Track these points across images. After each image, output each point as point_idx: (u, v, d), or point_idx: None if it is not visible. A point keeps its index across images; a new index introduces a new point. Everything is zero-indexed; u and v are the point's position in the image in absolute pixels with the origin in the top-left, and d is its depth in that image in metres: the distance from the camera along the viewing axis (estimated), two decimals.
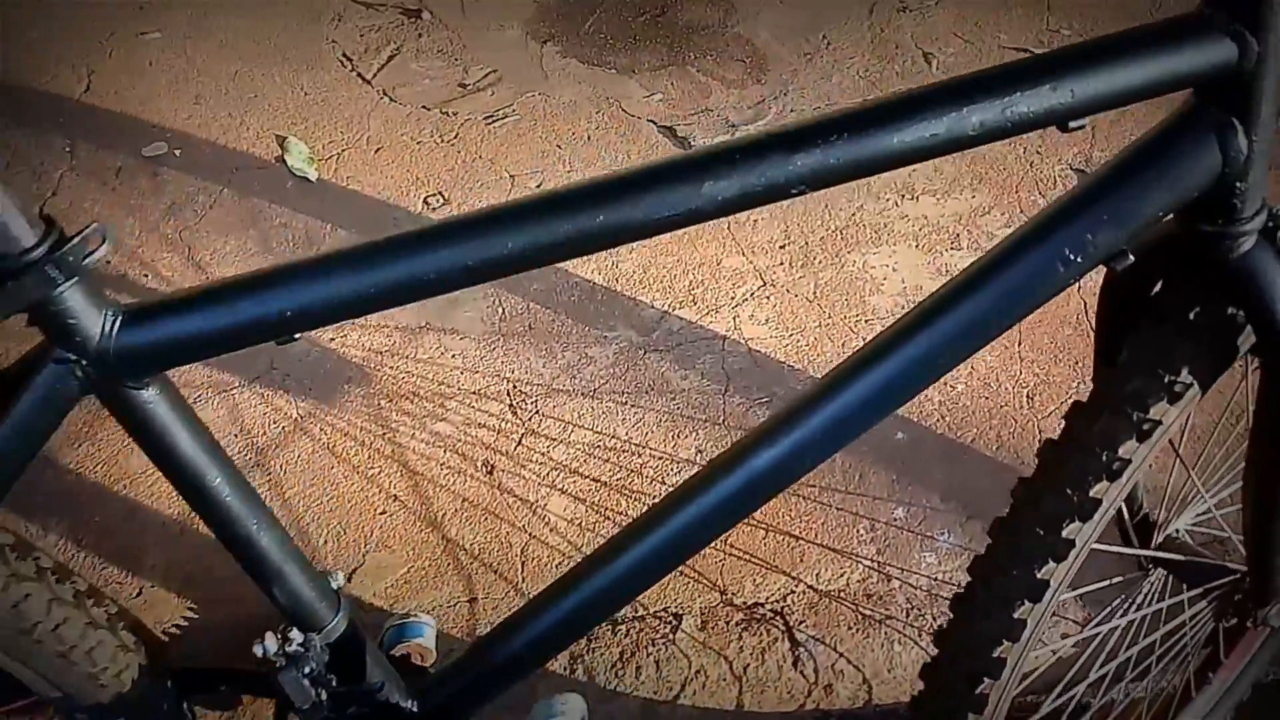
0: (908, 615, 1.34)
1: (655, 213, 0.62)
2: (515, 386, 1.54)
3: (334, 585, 0.83)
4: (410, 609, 1.31)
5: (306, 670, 0.77)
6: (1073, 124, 0.62)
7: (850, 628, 1.34)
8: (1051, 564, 0.77)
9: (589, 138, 1.93)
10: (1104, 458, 0.74)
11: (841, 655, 1.32)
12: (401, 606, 1.32)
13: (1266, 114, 0.63)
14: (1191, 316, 0.75)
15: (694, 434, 1.50)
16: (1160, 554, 1.00)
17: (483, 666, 0.90)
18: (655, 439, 1.49)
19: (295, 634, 0.78)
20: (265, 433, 1.48)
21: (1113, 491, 0.75)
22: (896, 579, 1.37)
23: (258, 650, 0.77)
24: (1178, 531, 1.06)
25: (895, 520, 1.42)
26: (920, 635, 1.33)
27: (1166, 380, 0.74)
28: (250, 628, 1.18)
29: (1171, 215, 0.70)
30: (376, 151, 1.88)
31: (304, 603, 0.78)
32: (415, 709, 0.89)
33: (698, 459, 1.47)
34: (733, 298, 1.68)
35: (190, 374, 1.53)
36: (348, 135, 1.91)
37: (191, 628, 1.30)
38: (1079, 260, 0.67)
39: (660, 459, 1.47)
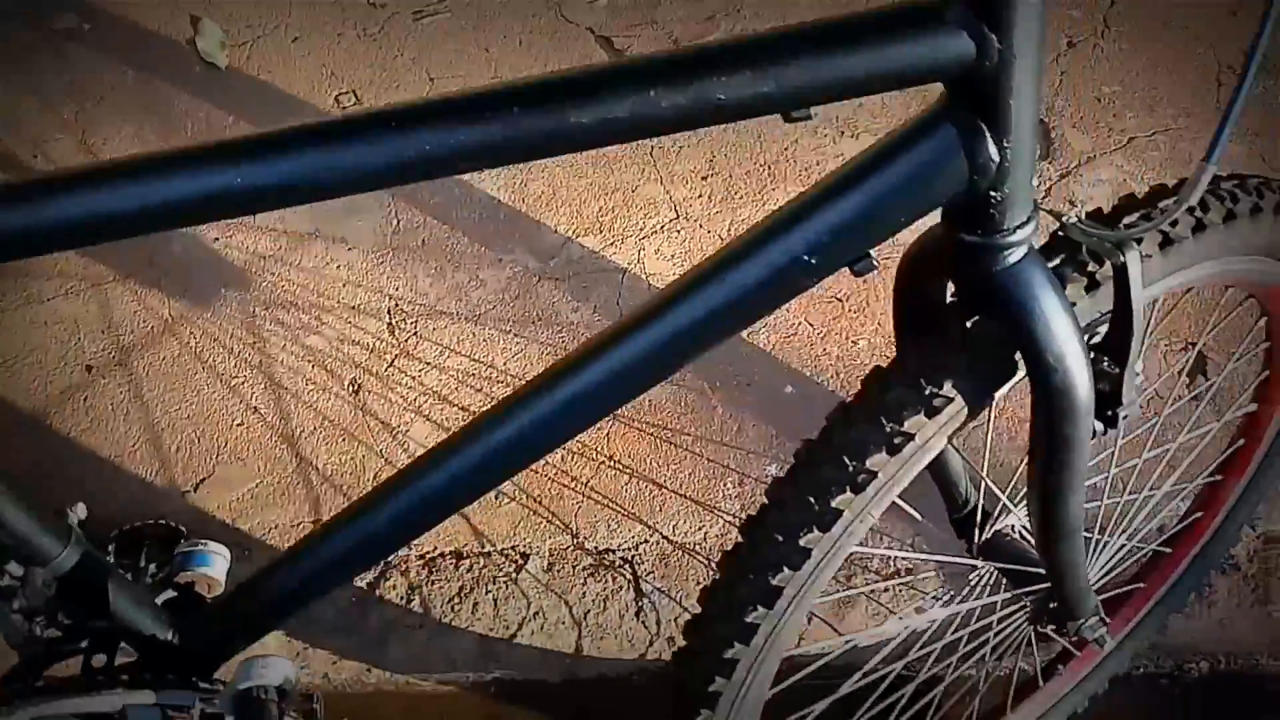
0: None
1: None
2: (397, 304, 1.50)
3: (74, 519, 0.80)
4: (251, 527, 1.30)
5: (17, 605, 0.74)
6: (795, 114, 0.55)
7: (699, 583, 1.31)
8: (816, 532, 0.71)
9: (521, 42, 1.83)
10: (850, 467, 0.69)
11: (686, 610, 1.30)
12: (245, 523, 1.30)
13: (1021, 121, 0.56)
14: (969, 326, 0.69)
15: None
16: (965, 558, 0.96)
17: (254, 601, 0.88)
18: (533, 373, 1.44)
19: (13, 567, 0.76)
20: (133, 331, 1.44)
21: (857, 504, 0.70)
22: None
23: None
24: (1011, 529, 1.01)
25: (766, 476, 1.38)
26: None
27: (927, 392, 0.68)
28: (100, 528, 1.16)
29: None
30: (294, 41, 1.79)
31: (21, 536, 0.75)
32: (175, 640, 0.87)
33: None
34: (642, 228, 1.61)
35: (65, 264, 1.49)
36: (266, 21, 1.81)
37: None
38: (815, 262, 0.61)
39: None
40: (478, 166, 0.56)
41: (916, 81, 0.55)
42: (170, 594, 0.95)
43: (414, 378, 1.42)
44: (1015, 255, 0.62)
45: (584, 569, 1.31)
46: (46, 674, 0.80)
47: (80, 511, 0.81)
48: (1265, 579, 1.36)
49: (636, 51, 1.84)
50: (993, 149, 0.56)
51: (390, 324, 1.47)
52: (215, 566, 0.99)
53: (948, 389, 0.68)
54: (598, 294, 1.53)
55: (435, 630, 1.27)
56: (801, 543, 0.70)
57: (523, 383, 0.75)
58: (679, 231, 1.61)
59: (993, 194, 0.59)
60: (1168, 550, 1.21)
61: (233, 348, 1.43)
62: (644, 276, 1.55)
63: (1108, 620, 0.96)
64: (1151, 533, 1.29)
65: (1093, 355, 0.70)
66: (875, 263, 0.62)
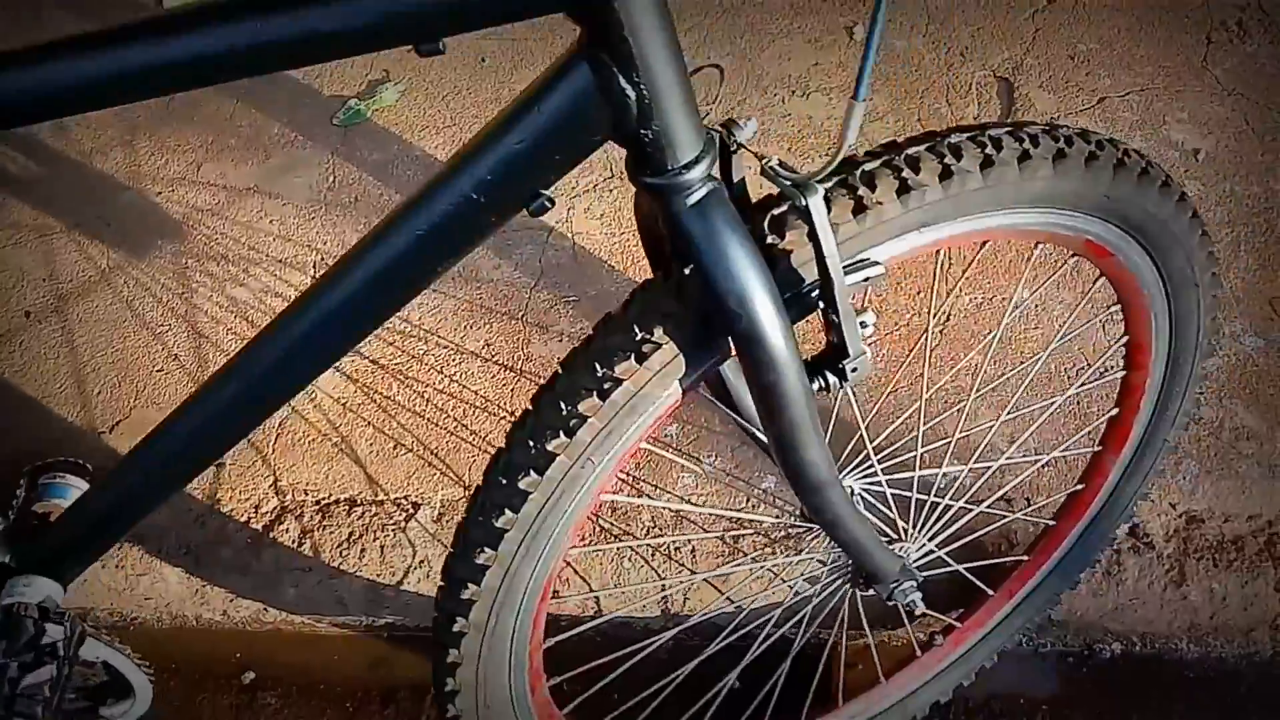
0: (646, 533, 1.31)
1: None
2: (323, 259, 1.53)
3: None
4: None
5: None
6: (424, 47, 0.55)
7: (586, 539, 1.32)
8: (534, 475, 0.71)
9: None
10: (564, 411, 0.69)
11: (568, 564, 1.31)
12: None
13: (651, 58, 0.55)
14: (685, 272, 0.67)
15: (487, 327, 1.46)
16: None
17: (81, 523, 0.92)
18: (447, 328, 1.46)
19: None
20: (72, 279, 1.51)
21: (572, 449, 0.70)
22: (647, 496, 1.33)
23: None
24: (850, 490, 0.99)
25: (665, 436, 1.37)
26: (653, 554, 1.30)
27: (638, 338, 0.67)
28: (19, 463, 1.23)
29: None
30: None
31: None
32: (10, 562, 0.92)
33: (484, 353, 1.44)
34: (574, 187, 1.61)
35: (16, 215, 1.57)
36: None
37: None
38: (485, 201, 0.61)
39: (445, 349, 1.44)
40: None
41: (539, 12, 0.54)
42: (31, 522, 1.00)
43: None
44: (694, 196, 0.61)
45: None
46: None
47: None
48: (1182, 559, 1.29)
49: None
50: (627, 87, 0.55)
51: (314, 277, 1.51)
52: (69, 498, 1.04)
53: (659, 335, 0.67)
54: (520, 252, 1.53)
55: (325, 574, 1.31)
56: (521, 485, 0.71)
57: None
58: (610, 190, 1.60)
59: (644, 133, 0.57)
60: (1052, 522, 1.17)
61: (162, 297, 1.49)
62: (570, 236, 1.55)
63: (918, 581, 0.93)
64: (1019, 502, 1.25)
65: (822, 307, 0.68)
66: (549, 203, 0.61)
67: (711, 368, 0.72)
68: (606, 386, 0.68)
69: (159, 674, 1.09)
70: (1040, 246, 0.86)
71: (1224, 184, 1.60)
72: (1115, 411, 1.06)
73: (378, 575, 1.31)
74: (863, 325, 0.68)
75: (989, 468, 1.09)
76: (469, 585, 0.75)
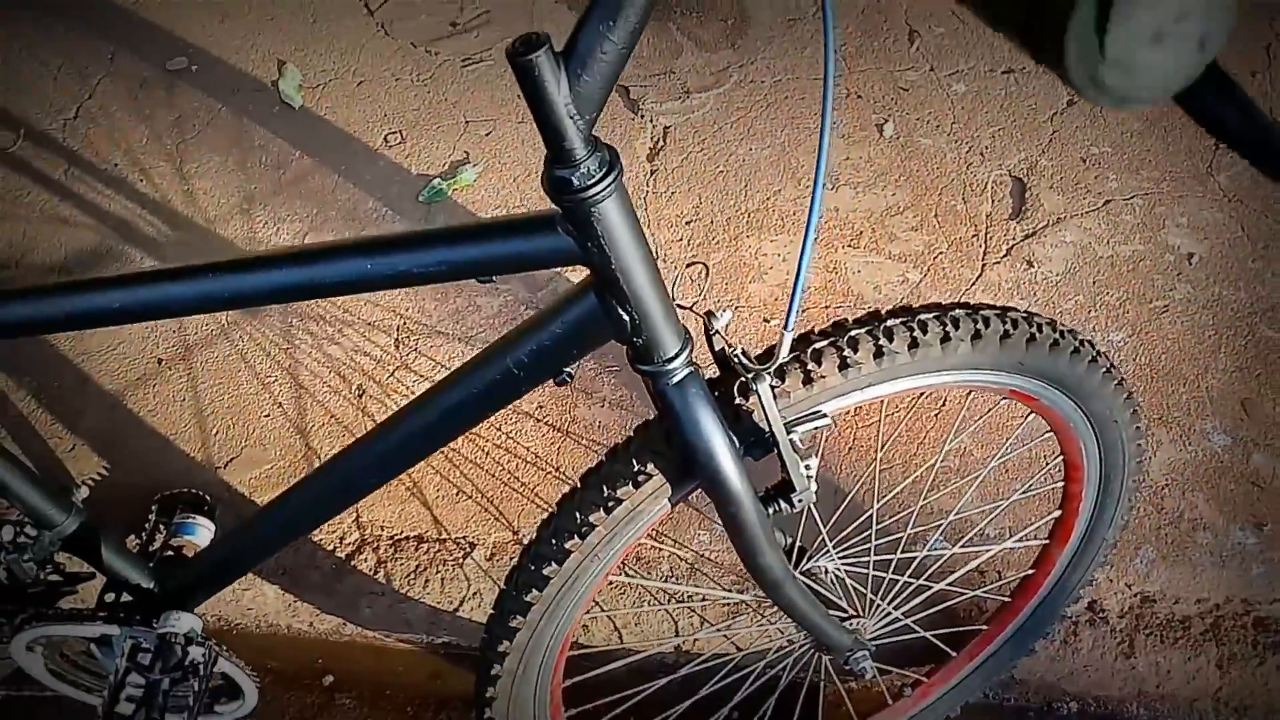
0: (664, 579, 1.53)
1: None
2: (405, 323, 1.78)
3: (75, 497, 1.12)
4: (262, 501, 1.62)
5: (28, 557, 1.07)
6: (481, 279, 0.78)
7: (610, 579, 1.55)
8: (554, 566, 0.95)
9: None
10: (577, 519, 0.92)
11: (597, 604, 1.54)
12: (260, 497, 1.63)
13: (638, 293, 0.76)
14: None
15: (540, 391, 1.70)
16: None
17: (213, 561, 1.18)
18: None
19: (30, 530, 1.08)
20: (198, 332, 1.79)
21: (584, 548, 0.92)
22: (668, 548, 1.56)
23: None
24: (824, 570, 1.21)
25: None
26: (669, 600, 1.53)
27: (635, 469, 0.90)
28: (149, 491, 1.51)
29: None
30: (359, 84, 2.10)
31: (33, 508, 1.07)
32: (154, 588, 1.19)
33: (537, 414, 1.68)
34: None
35: None
36: (339, 65, 2.13)
37: (105, 484, 1.66)
38: (521, 374, 0.84)
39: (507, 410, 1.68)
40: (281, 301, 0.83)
41: (550, 264, 0.77)
42: (167, 553, 1.27)
43: (409, 388, 1.71)
44: (675, 377, 0.83)
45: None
46: (55, 607, 1.13)
47: (82, 491, 1.13)
48: (1133, 634, 1.47)
49: (649, 100, 2.05)
50: (622, 314, 0.77)
51: (397, 339, 1.77)
52: (199, 536, 1.31)
53: (650, 469, 0.89)
54: None
55: (395, 598, 1.56)
56: (544, 573, 0.94)
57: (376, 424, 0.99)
58: None
59: (636, 340, 0.80)
60: (1008, 599, 1.36)
61: (270, 351, 1.76)
62: None
63: (871, 651, 1.14)
64: (975, 579, 1.44)
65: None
66: (569, 376, 0.84)
67: (691, 491, 0.94)
68: (610, 504, 0.90)
69: (258, 676, 1.35)
70: (972, 393, 1.06)
71: (1213, 288, 1.76)
72: (1059, 513, 1.25)
73: (438, 602, 1.56)
74: (807, 468, 0.89)
75: (943, 555, 1.29)
76: (503, 641, 0.98)
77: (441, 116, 2.05)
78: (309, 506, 1.06)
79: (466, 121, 2.04)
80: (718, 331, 0.87)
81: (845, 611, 1.17)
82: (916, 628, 1.32)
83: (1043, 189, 1.89)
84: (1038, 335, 0.97)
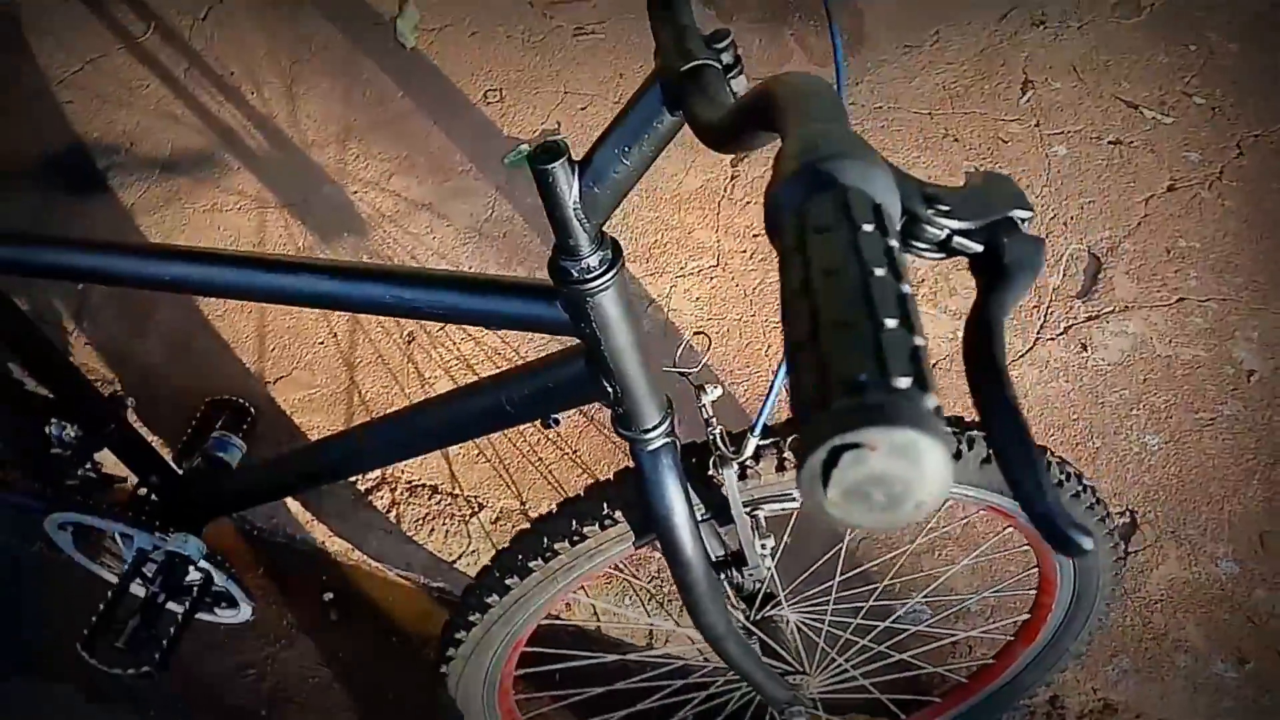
0: (650, 581, 1.60)
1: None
2: None
3: (129, 404, 1.23)
4: (301, 422, 1.73)
5: (75, 455, 1.18)
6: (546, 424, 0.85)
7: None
8: (516, 579, 1.03)
9: (644, 67, 2.09)
10: (543, 542, 0.99)
11: (583, 589, 1.62)
12: (299, 418, 1.74)
13: (623, 370, 0.81)
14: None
15: None
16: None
17: (233, 489, 1.29)
18: None
19: (71, 430, 1.20)
20: (273, 248, 1.89)
21: (545, 570, 0.99)
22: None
23: (48, 430, 1.19)
24: (786, 620, 1.26)
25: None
26: (667, 601, 1.60)
27: (604, 513, 0.96)
28: (200, 394, 1.63)
29: None
30: (471, 34, 2.15)
31: (81, 411, 1.19)
32: (177, 497, 1.30)
33: None
34: (683, 268, 1.87)
35: (243, 185, 1.96)
36: (457, 12, 2.18)
37: (161, 377, 1.79)
38: (513, 411, 0.90)
39: None
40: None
41: (546, 331, 0.82)
42: (198, 462, 1.39)
43: (455, 344, 1.79)
44: (651, 446, 0.88)
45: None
46: (83, 498, 1.25)
47: (130, 402, 1.24)
48: None
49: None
50: (607, 384, 0.83)
51: None
52: (230, 454, 1.41)
53: (617, 515, 0.95)
54: None
55: (401, 538, 1.66)
56: (506, 582, 1.01)
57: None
58: (712, 279, 1.86)
59: (619, 409, 0.85)
60: (965, 681, 1.40)
61: None
62: (665, 310, 1.83)
63: (807, 708, 1.19)
64: (936, 656, 1.48)
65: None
66: (555, 422, 0.90)
67: (652, 541, 1.00)
68: (575, 539, 0.97)
69: (266, 578, 1.48)
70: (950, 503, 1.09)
71: (1265, 412, 1.72)
72: (1028, 615, 1.27)
73: (438, 550, 1.66)
74: (763, 547, 0.94)
75: (908, 630, 1.33)
76: (460, 629, 1.07)
77: (543, 82, 2.09)
78: (322, 467, 1.15)
79: (565, 92, 2.08)
80: (703, 405, 0.91)
81: (791, 667, 1.23)
82: (871, 688, 1.36)
83: (1118, 272, 1.86)
84: None
